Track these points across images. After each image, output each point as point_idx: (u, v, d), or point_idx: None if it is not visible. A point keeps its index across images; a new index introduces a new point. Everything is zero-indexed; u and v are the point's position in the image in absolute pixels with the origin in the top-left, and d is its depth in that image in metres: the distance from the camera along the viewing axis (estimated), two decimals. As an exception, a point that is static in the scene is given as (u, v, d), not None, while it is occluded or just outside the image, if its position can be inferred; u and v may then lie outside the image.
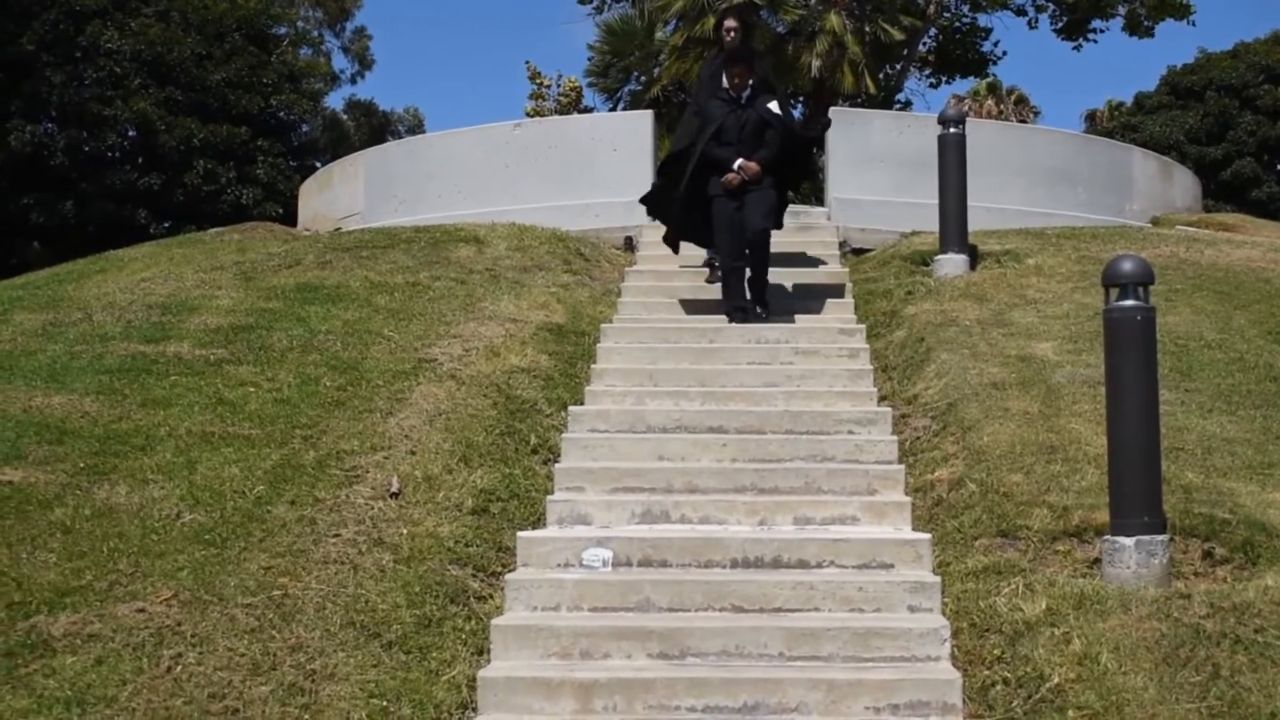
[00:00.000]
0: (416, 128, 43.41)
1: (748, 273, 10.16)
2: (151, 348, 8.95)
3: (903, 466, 7.60)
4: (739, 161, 9.98)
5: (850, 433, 8.04)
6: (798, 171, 11.21)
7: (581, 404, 8.55)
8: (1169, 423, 6.99)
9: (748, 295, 10.14)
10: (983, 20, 29.41)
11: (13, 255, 25.57)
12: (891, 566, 6.45)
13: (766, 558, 6.52)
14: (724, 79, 10.45)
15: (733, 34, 11.19)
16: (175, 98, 26.57)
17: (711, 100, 10.49)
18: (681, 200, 10.28)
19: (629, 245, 12.95)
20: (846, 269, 11.86)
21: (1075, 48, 28.60)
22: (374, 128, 41.02)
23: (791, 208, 11.96)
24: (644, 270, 11.75)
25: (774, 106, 10.29)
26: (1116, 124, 34.56)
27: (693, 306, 10.57)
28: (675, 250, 10.89)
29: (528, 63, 34.76)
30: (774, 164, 10.14)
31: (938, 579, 6.24)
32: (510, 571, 6.50)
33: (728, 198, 10.01)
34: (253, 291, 10.49)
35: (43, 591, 5.64)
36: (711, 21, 22.62)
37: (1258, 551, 5.99)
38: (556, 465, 7.63)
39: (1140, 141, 24.87)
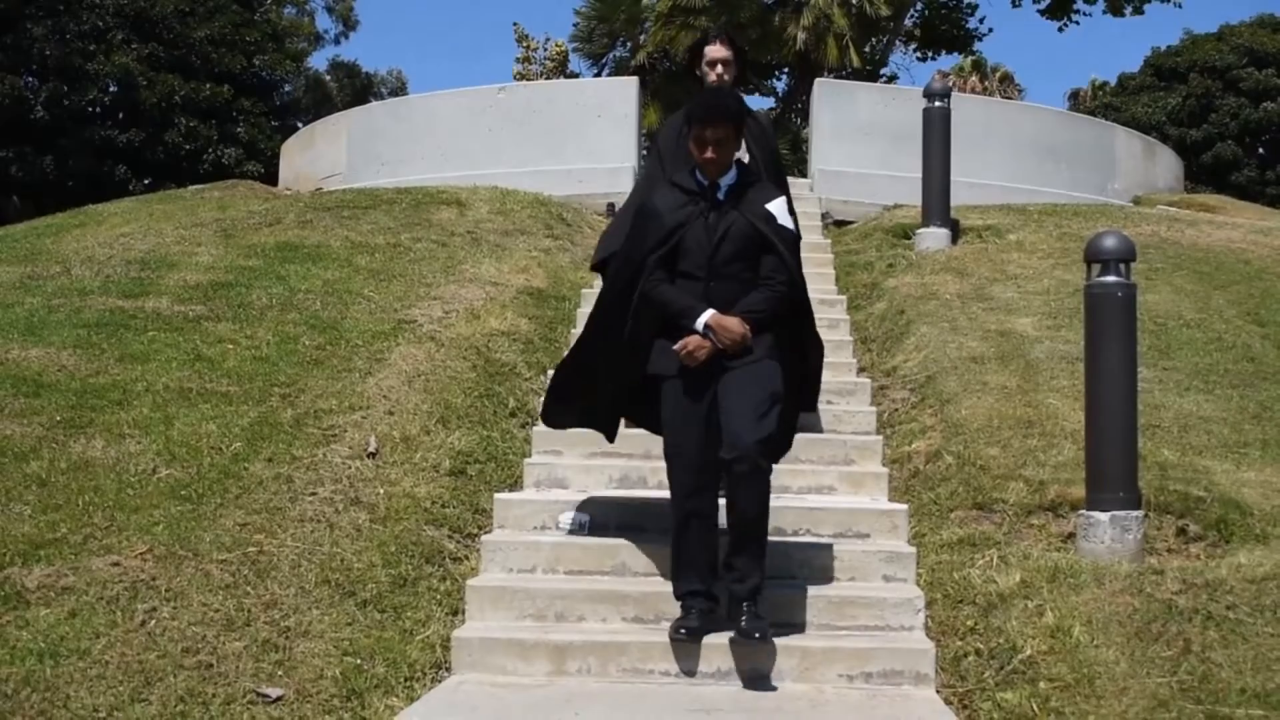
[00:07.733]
0: (399, 90, 43.27)
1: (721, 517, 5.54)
2: (130, 303, 8.91)
3: (880, 438, 7.61)
4: (706, 316, 5.28)
5: (829, 403, 8.04)
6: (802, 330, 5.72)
7: (561, 369, 8.53)
8: (1146, 400, 7.02)
9: (718, 574, 5.46)
10: (968, -4, 29.57)
11: (-9, 209, 25.46)
12: (868, 536, 6.46)
13: (743, 525, 6.52)
14: (692, 148, 5.46)
15: (720, 71, 6.52)
16: (157, 54, 26.42)
17: (663, 189, 5.70)
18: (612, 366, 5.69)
19: (611, 211, 12.91)
20: (828, 240, 11.87)
21: (1060, 28, 28.72)
22: (357, 89, 40.86)
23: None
24: (626, 237, 11.67)
25: (777, 209, 5.47)
26: (1099, 104, 34.64)
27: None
28: (610, 438, 6.32)
29: (516, 24, 34.72)
30: (779, 317, 5.46)
31: (913, 549, 6.26)
32: (486, 533, 6.50)
33: (682, 381, 5.36)
34: (232, 249, 10.44)
35: (17, 544, 5.61)
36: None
37: (1231, 529, 6.02)
38: (534, 428, 7.61)
39: (1123, 122, 24.93)
